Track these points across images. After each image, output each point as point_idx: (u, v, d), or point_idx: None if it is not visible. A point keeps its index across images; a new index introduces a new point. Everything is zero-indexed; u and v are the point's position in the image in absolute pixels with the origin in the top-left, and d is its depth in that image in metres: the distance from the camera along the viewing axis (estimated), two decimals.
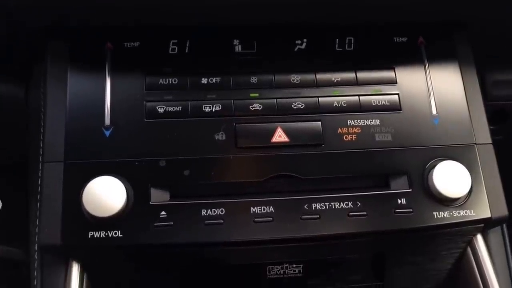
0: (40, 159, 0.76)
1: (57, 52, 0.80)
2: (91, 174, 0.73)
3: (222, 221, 0.74)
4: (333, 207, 0.76)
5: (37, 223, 0.75)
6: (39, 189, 0.76)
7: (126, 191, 0.73)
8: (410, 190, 0.78)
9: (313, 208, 0.76)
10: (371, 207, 0.77)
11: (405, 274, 0.83)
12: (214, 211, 0.74)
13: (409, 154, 0.80)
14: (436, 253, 0.81)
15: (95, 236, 0.72)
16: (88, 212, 0.71)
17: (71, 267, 0.74)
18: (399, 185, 0.79)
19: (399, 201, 0.77)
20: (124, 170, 0.74)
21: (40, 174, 0.76)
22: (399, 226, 0.77)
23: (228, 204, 0.75)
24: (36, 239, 0.76)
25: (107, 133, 0.76)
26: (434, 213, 0.77)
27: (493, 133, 0.86)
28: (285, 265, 0.80)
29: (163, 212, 0.73)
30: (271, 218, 0.75)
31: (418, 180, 0.78)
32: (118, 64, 0.80)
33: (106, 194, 0.71)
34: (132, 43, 0.81)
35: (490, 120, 0.88)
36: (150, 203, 0.74)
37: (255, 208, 0.75)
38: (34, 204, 0.77)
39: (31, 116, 0.84)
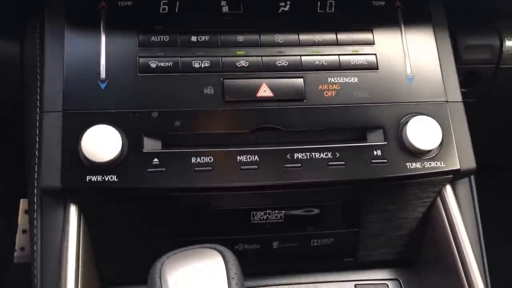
0: (38, 110, 0.81)
1: (55, 9, 0.84)
2: (88, 123, 0.78)
3: (210, 168, 0.79)
4: (313, 157, 0.82)
5: (36, 169, 0.80)
6: (37, 138, 0.81)
7: (121, 139, 0.78)
8: (385, 142, 0.84)
9: (295, 157, 0.82)
10: (349, 158, 0.82)
11: (378, 221, 0.89)
12: (203, 159, 0.80)
13: (385, 110, 0.85)
14: (408, 202, 0.87)
15: (92, 180, 0.77)
16: (86, 158, 0.76)
17: (69, 209, 0.79)
18: (375, 138, 0.84)
19: (375, 153, 0.83)
20: (119, 120, 0.79)
21: (38, 124, 0.81)
22: (374, 175, 0.83)
23: (216, 153, 0.80)
24: (36, 184, 0.81)
25: (103, 86, 0.81)
26: (407, 164, 0.83)
27: (465, 95, 0.92)
28: (268, 211, 0.86)
29: (155, 159, 0.79)
30: (256, 166, 0.80)
31: (393, 134, 0.84)
32: (112, 22, 0.84)
33: (102, 141, 0.76)
34: (125, 2, 0.85)
35: (463, 83, 0.95)
36: (143, 151, 0.79)
37: (241, 156, 0.81)
38: (32, 152, 0.82)
39: (26, 71, 0.88)
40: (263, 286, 0.90)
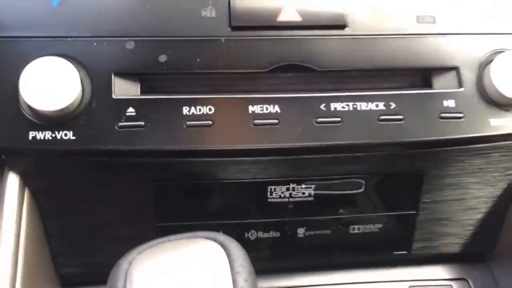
0: None
1: None
2: (33, 54, 0.54)
3: (210, 122, 0.55)
4: (358, 108, 0.58)
5: None
6: None
7: (80, 79, 0.54)
8: (461, 89, 0.59)
9: (333, 109, 0.57)
10: (409, 110, 0.58)
11: (445, 201, 0.65)
12: (200, 110, 0.56)
13: (459, 43, 0.61)
14: (488, 174, 0.63)
15: (38, 138, 0.53)
16: (28, 106, 0.53)
17: (6, 178, 0.56)
18: (446, 84, 0.61)
19: (446, 104, 0.59)
20: (78, 51, 0.55)
21: None
22: (444, 135, 0.58)
23: (218, 101, 0.56)
24: None
25: (55, 2, 0.56)
26: (490, 119, 0.60)
27: None
28: (291, 186, 0.62)
29: (130, 109, 0.55)
30: (276, 121, 0.56)
31: (471, 77, 0.60)
32: None
33: (52, 80, 0.52)
34: None
35: None
36: (113, 97, 0.55)
37: (255, 107, 0.57)
38: None
39: None
40: None
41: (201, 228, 0.61)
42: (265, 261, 0.65)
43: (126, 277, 0.40)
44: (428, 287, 0.70)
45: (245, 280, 0.40)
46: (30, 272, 0.56)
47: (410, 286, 0.69)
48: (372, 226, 0.66)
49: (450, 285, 0.71)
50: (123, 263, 0.41)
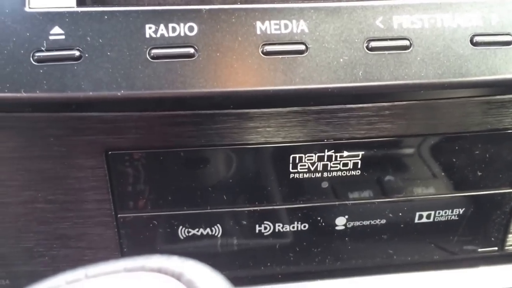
0: None
1: None
2: None
3: (191, 50, 0.33)
4: (439, 23, 0.36)
5: None
6: None
7: None
8: None
9: (396, 25, 0.36)
10: None
11: None
12: (174, 29, 0.34)
13: None
14: None
15: None
16: None
17: None
18: None
19: None
20: None
21: None
22: None
23: (204, 15, 0.34)
24: None
25: None
26: None
27: None
28: (326, 153, 0.40)
29: (56, 30, 0.33)
30: (303, 47, 0.35)
31: None
32: None
33: None
34: None
35: None
36: (27, 9, 0.33)
37: (266, 23, 0.35)
38: None
39: None
40: None
41: (186, 221, 0.41)
42: (287, 266, 0.44)
43: None
44: None
45: None
46: None
47: None
48: (449, 212, 0.44)
49: None
50: None
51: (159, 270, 0.21)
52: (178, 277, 0.21)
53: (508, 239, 0.48)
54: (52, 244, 0.42)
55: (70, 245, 0.42)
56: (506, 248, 0.49)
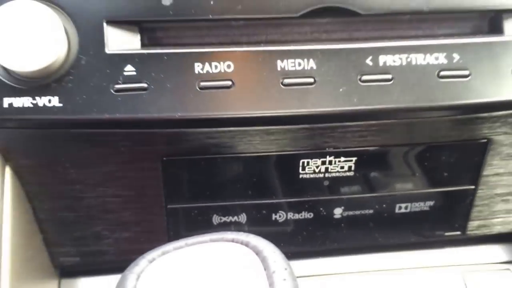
0: None
1: None
2: None
3: (229, 82, 0.44)
4: (414, 61, 0.46)
5: None
6: None
7: (65, 29, 0.42)
8: None
9: (381, 63, 0.46)
10: (476, 63, 0.47)
11: (508, 173, 0.54)
12: (216, 67, 0.44)
13: None
14: None
15: (16, 105, 0.43)
16: (0, 65, 0.42)
17: None
18: None
19: None
20: None
21: None
22: None
23: (239, 55, 0.45)
24: None
25: None
26: None
27: None
28: (328, 159, 0.51)
29: (129, 67, 0.44)
30: (312, 80, 0.45)
31: None
32: None
33: (29, 31, 0.41)
34: None
35: None
36: (106, 51, 0.44)
37: (285, 62, 0.45)
38: None
39: None
40: (319, 275, 0.56)
41: (219, 211, 0.52)
42: (296, 246, 0.56)
43: None
44: (483, 272, 0.60)
45: None
46: (22, 263, 0.47)
47: (463, 270, 0.59)
48: (422, 204, 0.56)
49: (508, 268, 0.61)
50: (130, 277, 0.31)
51: (233, 240, 0.32)
52: (246, 244, 0.32)
53: (469, 225, 0.59)
54: (115, 229, 0.53)
55: (129, 230, 0.53)
56: (467, 232, 0.60)
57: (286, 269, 0.31)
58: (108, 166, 0.48)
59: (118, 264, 0.55)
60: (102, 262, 0.56)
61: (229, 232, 0.33)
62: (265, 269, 0.30)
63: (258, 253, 0.31)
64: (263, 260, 0.31)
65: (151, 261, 0.32)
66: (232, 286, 0.29)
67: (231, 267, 0.30)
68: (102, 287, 0.56)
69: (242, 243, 0.32)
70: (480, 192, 0.56)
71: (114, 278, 0.56)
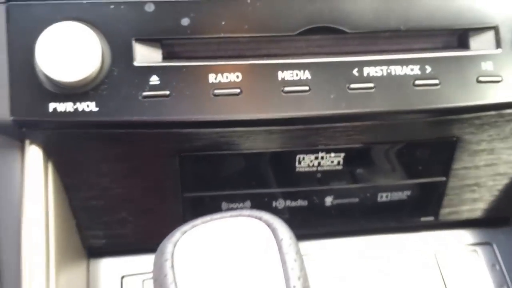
0: None
1: None
2: (48, 20, 0.50)
3: (238, 90, 0.52)
4: (393, 72, 0.55)
5: None
6: None
7: (101, 46, 0.50)
8: (499, 50, 0.56)
9: (366, 74, 0.54)
10: (445, 74, 0.55)
11: (476, 167, 0.63)
12: (227, 77, 0.53)
13: (498, 0, 0.57)
14: None
15: (59, 110, 0.50)
16: (46, 76, 0.49)
17: (28, 153, 0.53)
18: (483, 44, 0.57)
19: (483, 66, 0.56)
20: (94, 15, 0.51)
21: None
22: (482, 99, 0.56)
23: (246, 67, 0.53)
24: None
25: None
26: None
27: None
28: (320, 154, 0.59)
29: (154, 78, 0.52)
30: (307, 88, 0.53)
31: (510, 37, 0.57)
32: None
33: (71, 48, 0.49)
34: None
35: None
36: (135, 64, 0.52)
37: (285, 73, 0.53)
38: None
39: None
40: (310, 255, 0.65)
41: (228, 198, 0.61)
42: (292, 229, 0.64)
43: (173, 260, 0.38)
44: (453, 253, 0.69)
45: (295, 260, 0.38)
46: (60, 245, 0.55)
47: (435, 251, 0.68)
48: (400, 193, 0.65)
49: (475, 250, 0.70)
50: (168, 245, 0.39)
51: (249, 215, 0.41)
52: (259, 218, 0.40)
53: (441, 212, 0.68)
54: (138, 214, 0.61)
55: (150, 216, 0.61)
56: (440, 218, 0.69)
57: (290, 238, 0.39)
58: (134, 161, 0.57)
59: (139, 246, 0.64)
60: (125, 244, 0.64)
61: (245, 210, 0.42)
62: (274, 237, 0.39)
63: (269, 225, 0.40)
64: (273, 231, 0.39)
65: (183, 233, 0.40)
66: (249, 250, 0.38)
67: (248, 236, 0.39)
68: (124, 266, 0.64)
69: (256, 217, 0.40)
70: (450, 183, 0.65)
71: (136, 258, 0.65)
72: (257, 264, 0.38)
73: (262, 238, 0.39)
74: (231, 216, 0.41)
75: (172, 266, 0.38)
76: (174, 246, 0.39)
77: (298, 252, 0.39)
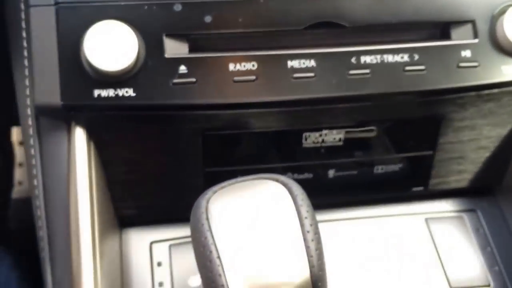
0: (23, 5, 0.62)
1: None
2: (92, 19, 0.59)
3: (254, 77, 0.61)
4: (386, 60, 0.64)
5: (28, 84, 0.62)
6: (24, 42, 0.62)
7: (137, 41, 0.59)
8: (476, 40, 0.65)
9: (362, 62, 0.63)
10: (431, 61, 0.64)
11: (460, 142, 0.72)
12: (244, 66, 0.61)
13: None
14: (499, 116, 0.70)
15: (102, 95, 0.59)
16: (91, 66, 0.58)
17: (74, 133, 0.62)
18: (463, 35, 0.66)
19: (463, 54, 0.65)
20: (132, 15, 0.60)
21: (25, 24, 0.62)
22: (463, 82, 0.65)
23: (261, 57, 0.62)
24: (29, 103, 0.63)
25: None
26: (503, 67, 0.66)
27: None
28: (324, 132, 0.68)
29: (182, 67, 0.60)
30: (313, 74, 0.62)
31: (485, 29, 0.66)
32: None
33: (113, 41, 0.57)
34: None
35: None
36: (165, 56, 0.60)
37: (294, 61, 0.62)
38: (19, 62, 0.64)
39: None
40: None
41: (243, 173, 0.69)
42: None
43: (207, 212, 0.47)
44: (441, 219, 0.78)
45: (307, 211, 0.47)
46: (101, 215, 0.63)
47: (426, 218, 0.77)
48: (393, 166, 0.74)
49: (461, 216, 0.79)
50: (202, 201, 0.48)
51: (268, 178, 0.50)
52: (276, 180, 0.49)
53: (430, 182, 0.75)
54: (164, 187, 0.69)
55: (175, 188, 0.69)
56: (429, 188, 0.76)
57: (303, 193, 0.48)
58: (163, 139, 0.65)
59: (165, 216, 0.73)
60: (153, 214, 0.72)
61: (264, 174, 0.51)
62: (290, 194, 0.48)
63: (285, 185, 0.49)
64: (289, 190, 0.48)
65: (214, 192, 0.49)
66: (269, 204, 0.47)
67: (267, 193, 0.48)
68: (153, 233, 0.73)
69: (274, 179, 0.50)
70: (437, 157, 0.73)
71: (163, 226, 0.73)
72: (276, 215, 0.47)
73: (279, 194, 0.48)
74: (253, 178, 0.50)
75: (207, 218, 0.47)
76: (207, 202, 0.48)
77: (309, 205, 0.48)
